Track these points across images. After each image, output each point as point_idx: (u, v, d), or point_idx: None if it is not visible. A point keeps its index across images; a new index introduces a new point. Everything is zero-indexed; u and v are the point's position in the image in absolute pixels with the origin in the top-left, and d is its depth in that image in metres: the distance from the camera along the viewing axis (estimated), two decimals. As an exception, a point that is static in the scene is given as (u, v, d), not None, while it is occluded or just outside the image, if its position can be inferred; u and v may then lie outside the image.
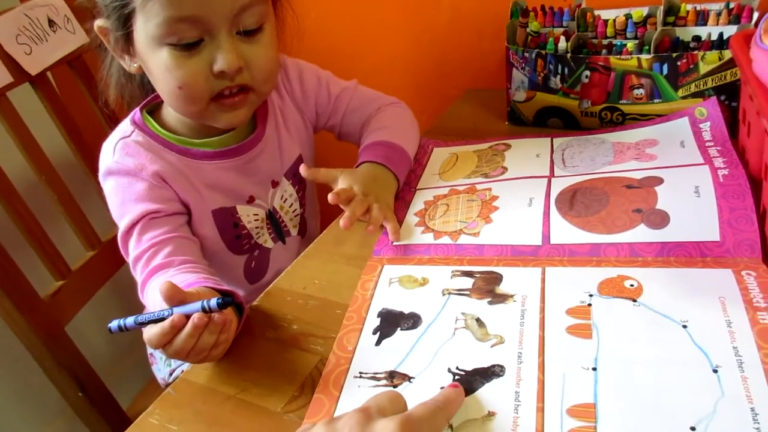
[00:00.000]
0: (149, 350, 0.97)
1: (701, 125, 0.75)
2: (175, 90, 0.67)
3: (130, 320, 0.53)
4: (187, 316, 0.51)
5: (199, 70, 0.66)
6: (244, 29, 0.66)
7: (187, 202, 0.76)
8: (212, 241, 0.80)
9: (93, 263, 0.97)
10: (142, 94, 0.79)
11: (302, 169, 0.75)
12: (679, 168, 0.69)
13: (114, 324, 0.53)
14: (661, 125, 0.80)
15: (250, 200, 0.81)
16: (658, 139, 0.77)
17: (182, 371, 0.60)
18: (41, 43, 0.91)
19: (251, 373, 0.56)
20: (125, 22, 0.65)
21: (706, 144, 0.72)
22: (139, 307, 0.76)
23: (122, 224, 0.72)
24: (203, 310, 0.51)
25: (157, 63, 0.66)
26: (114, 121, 0.93)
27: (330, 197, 0.69)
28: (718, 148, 0.70)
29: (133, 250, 0.71)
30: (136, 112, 0.77)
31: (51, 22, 0.93)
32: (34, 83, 0.91)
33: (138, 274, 0.70)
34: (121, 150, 0.74)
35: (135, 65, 0.71)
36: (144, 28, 0.64)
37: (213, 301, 0.51)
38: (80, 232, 0.96)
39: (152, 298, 0.66)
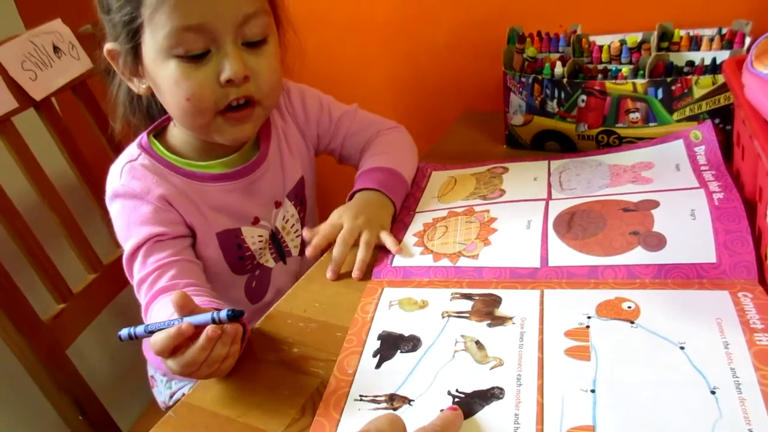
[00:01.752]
0: (150, 372, 0.97)
1: (696, 149, 0.76)
2: (182, 102, 0.69)
3: (140, 329, 0.54)
4: (196, 327, 0.52)
5: (207, 80, 0.67)
6: (249, 40, 0.68)
7: (192, 225, 0.76)
8: (216, 262, 0.80)
9: (95, 286, 0.97)
10: (147, 120, 0.81)
11: (305, 234, 0.76)
12: (675, 191, 0.70)
13: (124, 332, 0.55)
14: (657, 147, 0.81)
15: (255, 221, 0.82)
16: (654, 162, 0.78)
17: (183, 394, 0.61)
18: (46, 69, 0.92)
19: (252, 396, 0.57)
20: (133, 36, 0.67)
21: (701, 168, 0.73)
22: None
23: (127, 247, 0.73)
24: (213, 321, 0.52)
25: (165, 76, 0.68)
26: (117, 147, 0.94)
27: (308, 251, 0.74)
28: (713, 172, 0.71)
29: (137, 272, 0.71)
30: (143, 136, 0.78)
31: (56, 49, 0.95)
32: (39, 108, 0.92)
33: (142, 297, 0.71)
34: (127, 173, 0.75)
35: (143, 86, 0.73)
36: (152, 41, 0.66)
37: (223, 313, 0.52)
38: (82, 255, 0.97)
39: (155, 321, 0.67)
